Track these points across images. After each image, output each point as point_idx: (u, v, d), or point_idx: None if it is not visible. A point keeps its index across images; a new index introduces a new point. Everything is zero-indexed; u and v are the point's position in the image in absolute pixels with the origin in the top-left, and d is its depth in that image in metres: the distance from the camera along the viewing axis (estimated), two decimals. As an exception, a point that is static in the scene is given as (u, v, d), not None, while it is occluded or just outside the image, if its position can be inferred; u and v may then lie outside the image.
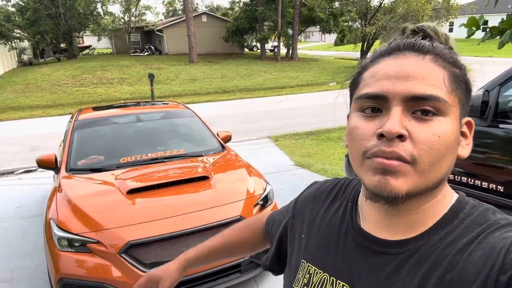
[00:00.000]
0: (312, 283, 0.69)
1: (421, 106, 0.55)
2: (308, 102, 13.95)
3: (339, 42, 37.08)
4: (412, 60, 0.57)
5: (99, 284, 2.37)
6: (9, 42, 24.86)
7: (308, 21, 29.77)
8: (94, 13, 29.73)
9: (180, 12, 47.50)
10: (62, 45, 30.18)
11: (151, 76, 13.05)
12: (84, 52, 34.79)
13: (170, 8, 52.06)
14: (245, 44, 32.73)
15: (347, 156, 4.11)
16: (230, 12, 36.44)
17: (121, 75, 19.99)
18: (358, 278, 0.63)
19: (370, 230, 0.65)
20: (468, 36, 3.12)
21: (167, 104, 4.66)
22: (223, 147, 3.82)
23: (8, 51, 25.58)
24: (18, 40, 26.99)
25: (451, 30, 23.47)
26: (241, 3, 33.09)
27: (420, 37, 0.60)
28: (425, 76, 0.55)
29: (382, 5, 22.72)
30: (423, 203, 0.59)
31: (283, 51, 30.28)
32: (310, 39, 67.24)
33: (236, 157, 3.65)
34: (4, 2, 31.67)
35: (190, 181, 2.97)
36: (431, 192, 0.59)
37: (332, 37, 50.92)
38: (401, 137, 0.54)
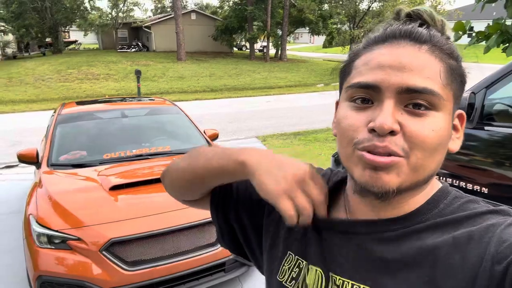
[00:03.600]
0: (300, 274, 0.66)
1: (414, 100, 0.53)
2: (296, 103, 13.99)
3: (328, 44, 37.37)
4: (408, 50, 0.54)
5: (79, 282, 2.31)
6: (-8, 35, 24.26)
7: (297, 22, 29.89)
8: (81, 7, 29.23)
9: (169, 10, 47.11)
10: (48, 39, 29.60)
11: (137, 73, 12.89)
12: (70, 47, 34.18)
13: (159, 5, 51.59)
14: (234, 43, 32.67)
15: (334, 155, 4.09)
16: (220, 10, 36.30)
17: (107, 71, 19.73)
18: (330, 261, 0.62)
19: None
20: (455, 41, 3.16)
21: (154, 100, 4.58)
22: (210, 145, 3.77)
23: (-9, 44, 24.98)
24: (2, 34, 26.37)
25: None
26: (231, 2, 33.03)
27: (417, 24, 0.57)
28: (421, 68, 0.53)
29: (371, 8, 22.99)
30: (411, 196, 0.58)
31: (272, 51, 30.31)
32: (299, 40, 67.53)
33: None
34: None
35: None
36: (421, 187, 0.57)
37: (321, 39, 51.31)
38: (392, 132, 0.52)
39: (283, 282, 0.67)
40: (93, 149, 3.46)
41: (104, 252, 2.33)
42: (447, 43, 0.56)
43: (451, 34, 0.59)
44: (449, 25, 0.61)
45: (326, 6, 28.08)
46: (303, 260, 0.66)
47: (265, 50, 29.93)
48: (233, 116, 11.67)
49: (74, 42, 36.20)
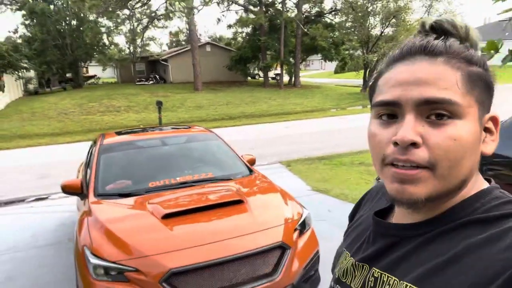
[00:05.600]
0: (347, 268, 0.73)
1: (434, 110, 0.55)
2: (315, 127, 13.96)
3: (340, 70, 37.79)
4: (423, 64, 0.57)
5: (137, 315, 2.22)
6: (16, 72, 25.21)
7: (310, 49, 30.37)
8: (100, 43, 30.30)
9: (183, 43, 48.54)
10: (68, 74, 30.60)
11: (159, 104, 13.10)
12: (89, 81, 35.25)
13: (174, 39, 53.22)
14: (248, 72, 33.26)
15: (377, 178, 4.00)
16: (233, 42, 37.21)
17: (128, 103, 20.15)
18: (376, 259, 0.66)
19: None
20: (488, 60, 3.11)
21: (190, 128, 4.60)
22: (251, 170, 3.73)
23: (15, 80, 25.90)
24: (24, 70, 27.39)
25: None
26: (244, 34, 33.87)
27: (434, 37, 0.59)
28: (436, 79, 0.55)
29: (383, 34, 23.21)
30: (446, 201, 0.59)
31: (285, 78, 30.69)
32: (310, 67, 68.37)
33: (267, 181, 3.55)
34: (12, 34, 32.42)
35: (224, 205, 2.86)
36: (455, 192, 0.59)
37: (332, 65, 51.83)
38: (415, 144, 0.54)
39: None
40: (138, 178, 3.44)
41: (163, 284, 2.25)
42: (465, 50, 0.58)
43: (477, 38, 0.61)
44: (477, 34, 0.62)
45: (337, 33, 28.54)
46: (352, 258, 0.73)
47: (278, 78, 30.33)
48: (253, 142, 11.66)
49: (93, 76, 37.32)
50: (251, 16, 28.63)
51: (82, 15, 28.22)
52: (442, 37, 0.59)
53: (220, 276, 2.36)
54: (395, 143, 0.56)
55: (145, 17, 29.03)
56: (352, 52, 28.05)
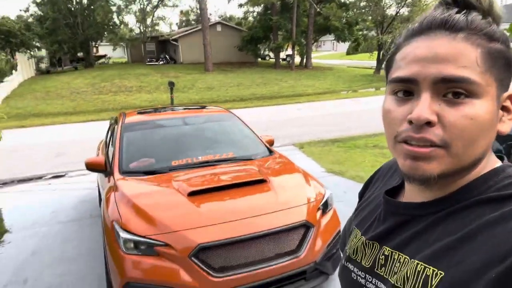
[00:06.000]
0: (358, 246, 0.73)
1: (452, 89, 0.54)
2: (327, 109, 13.87)
3: (353, 51, 37.15)
4: (443, 40, 0.55)
5: (168, 288, 2.30)
6: (29, 51, 25.33)
7: (322, 30, 29.86)
8: (111, 23, 30.15)
9: (193, 22, 48.04)
10: (79, 54, 30.63)
11: (171, 84, 13.10)
12: (100, 61, 35.28)
13: (184, 18, 52.71)
14: (259, 53, 32.91)
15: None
16: (244, 21, 36.71)
17: (139, 83, 20.19)
18: (386, 238, 0.66)
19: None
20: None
21: (209, 108, 4.62)
22: (271, 151, 3.75)
23: (28, 59, 26.06)
24: (36, 49, 27.50)
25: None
26: (255, 13, 33.37)
27: (455, 10, 0.57)
28: (455, 57, 0.54)
29: (398, 14, 22.68)
30: (458, 179, 0.59)
31: (296, 60, 30.35)
32: (321, 48, 67.34)
33: (288, 161, 3.58)
34: (23, 13, 32.39)
35: (248, 184, 2.90)
36: (468, 170, 0.58)
37: (344, 46, 50.95)
38: (430, 123, 0.54)
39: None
40: (160, 156, 3.49)
41: (192, 258, 2.31)
42: (487, 26, 0.56)
43: (500, 11, 0.58)
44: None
45: (351, 13, 27.95)
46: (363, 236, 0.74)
47: (289, 59, 29.99)
48: (265, 124, 11.64)
49: (104, 56, 37.32)
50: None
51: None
52: (464, 11, 0.57)
53: (246, 252, 2.42)
54: (410, 122, 0.55)
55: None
56: (366, 32, 27.53)
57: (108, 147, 4.19)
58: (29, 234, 4.47)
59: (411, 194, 0.66)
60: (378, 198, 0.77)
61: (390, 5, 23.28)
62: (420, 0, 21.43)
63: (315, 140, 9.34)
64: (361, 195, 0.89)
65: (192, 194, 2.71)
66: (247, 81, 21.55)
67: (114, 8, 28.49)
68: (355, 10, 26.48)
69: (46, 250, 4.03)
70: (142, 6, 29.39)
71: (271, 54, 38.35)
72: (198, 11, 30.05)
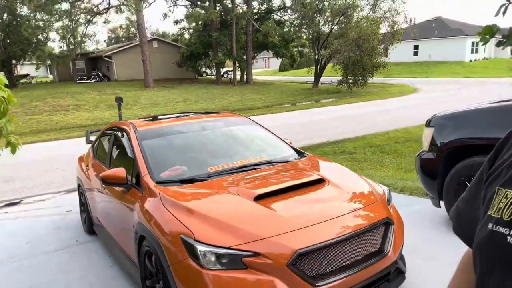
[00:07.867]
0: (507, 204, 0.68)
1: None
2: (283, 120, 14.01)
3: (290, 66, 38.42)
4: None
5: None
6: None
7: (261, 46, 30.52)
8: (35, 40, 27.70)
9: (123, 40, 46.20)
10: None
11: (119, 100, 12.23)
12: (22, 81, 32.09)
13: (113, 35, 50.38)
14: (199, 69, 32.63)
15: (419, 155, 4.00)
16: (180, 38, 36.15)
17: (75, 102, 18.72)
18: None
19: None
20: (484, 44, 3.29)
21: (222, 113, 4.32)
22: (300, 153, 3.57)
23: None
24: None
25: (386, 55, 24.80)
26: (191, 30, 33.07)
27: None
28: None
29: (332, 31, 23.97)
30: None
31: (236, 75, 30.58)
32: (254, 66, 68.76)
33: (328, 161, 3.42)
34: None
35: (308, 184, 2.68)
36: None
37: (275, 63, 52.47)
38: None
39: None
40: (191, 163, 3.12)
41: (291, 267, 2.03)
42: None
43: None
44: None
45: (287, 30, 29.00)
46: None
47: (230, 75, 30.11)
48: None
49: (26, 76, 34.10)
50: (201, 11, 28.06)
51: (15, 9, 25.63)
52: None
53: (340, 255, 2.20)
54: None
55: (86, 12, 27.15)
56: (302, 49, 28.69)
57: (111, 159, 3.70)
58: (13, 268, 3.74)
59: None
60: None
61: (325, 22, 24.56)
62: (352, 17, 22.93)
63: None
64: (493, 160, 0.82)
65: (258, 198, 2.43)
66: (193, 97, 21.11)
67: (41, 24, 26.23)
68: (292, 28, 27.53)
69: (46, 285, 3.38)
70: (70, 22, 27.49)
71: (208, 71, 38.23)
72: (130, 28, 28.98)
